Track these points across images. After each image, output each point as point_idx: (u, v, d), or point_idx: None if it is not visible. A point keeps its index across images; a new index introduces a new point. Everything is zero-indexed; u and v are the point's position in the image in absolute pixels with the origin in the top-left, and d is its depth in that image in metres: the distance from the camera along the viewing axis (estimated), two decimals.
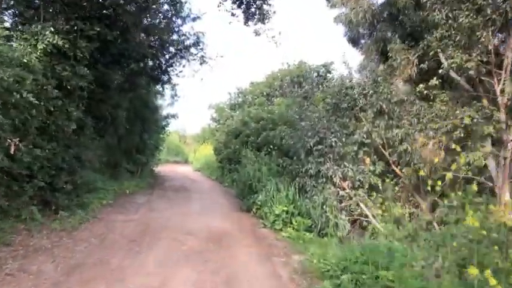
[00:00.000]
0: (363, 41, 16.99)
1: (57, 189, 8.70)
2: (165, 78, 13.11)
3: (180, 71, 13.35)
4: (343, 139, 12.39)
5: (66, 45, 7.92)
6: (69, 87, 8.05)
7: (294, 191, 11.82)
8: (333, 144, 12.19)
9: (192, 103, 79.12)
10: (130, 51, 9.89)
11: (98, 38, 8.76)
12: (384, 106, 12.29)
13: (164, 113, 21.15)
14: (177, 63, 12.86)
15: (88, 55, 8.51)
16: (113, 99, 10.84)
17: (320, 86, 27.59)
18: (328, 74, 27.64)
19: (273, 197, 11.85)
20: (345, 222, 11.25)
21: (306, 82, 27.71)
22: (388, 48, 13.14)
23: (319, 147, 12.22)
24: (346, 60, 14.17)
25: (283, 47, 58.22)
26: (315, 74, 27.95)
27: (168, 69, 12.92)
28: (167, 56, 12.23)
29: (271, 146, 15.60)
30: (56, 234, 7.85)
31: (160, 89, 18.24)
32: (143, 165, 18.72)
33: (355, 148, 12.42)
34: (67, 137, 8.58)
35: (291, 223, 10.92)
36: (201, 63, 13.20)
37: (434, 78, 11.91)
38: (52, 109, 7.74)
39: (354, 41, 16.97)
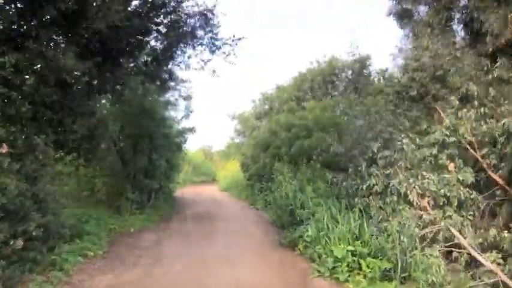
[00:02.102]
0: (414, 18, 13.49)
1: None
2: (164, 74, 9.84)
3: (181, 62, 10.00)
4: (417, 139, 8.88)
5: None
6: None
7: (358, 219, 8.31)
8: (404, 147, 8.67)
9: (214, 116, 76.20)
10: (92, 15, 6.39)
11: None
12: (475, 88, 8.66)
13: (179, 127, 17.99)
14: (180, 53, 9.65)
15: None
16: (84, 106, 7.50)
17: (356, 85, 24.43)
18: (364, 70, 24.03)
19: (328, 229, 8.33)
20: (439, 260, 7.59)
21: (340, 80, 24.34)
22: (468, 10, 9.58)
23: (386, 153, 8.71)
24: (408, 34, 10.65)
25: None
26: (350, 72, 24.38)
27: (169, 63, 9.68)
28: (165, 43, 9.02)
29: (314, 157, 12.05)
30: None
31: (169, 96, 15.04)
32: (156, 192, 15.44)
33: (434, 151, 8.78)
34: None
35: (361, 269, 7.38)
36: (212, 51, 9.90)
37: None
38: None
39: (405, 16, 13.44)
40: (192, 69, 10.24)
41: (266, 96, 26.99)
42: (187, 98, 17.16)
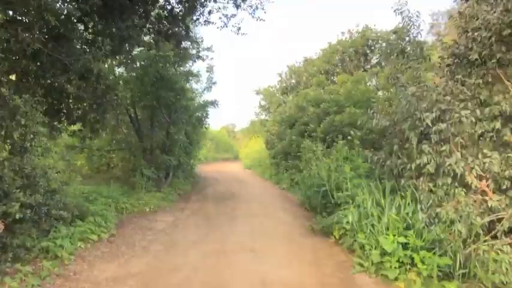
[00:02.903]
0: None
1: None
2: (180, 31, 8.46)
3: (200, 16, 8.52)
4: (477, 111, 7.41)
5: None
6: None
7: (410, 205, 6.99)
8: (463, 120, 7.24)
9: (238, 94, 74.62)
10: None
11: None
12: None
13: (200, 100, 16.68)
14: (199, 7, 8.23)
15: None
16: (80, 63, 6.19)
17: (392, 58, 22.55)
18: (400, 42, 22.18)
19: (372, 215, 7.02)
20: (509, 256, 6.24)
21: (374, 52, 22.66)
22: None
23: (441, 126, 7.27)
24: None
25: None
26: (384, 44, 22.63)
27: (186, 18, 8.29)
28: None
29: (351, 133, 10.65)
30: None
31: (190, 66, 13.64)
32: (175, 169, 14.28)
33: (497, 125, 7.31)
34: None
35: (413, 264, 6.09)
36: (236, 5, 8.47)
37: None
38: None
39: None
40: (213, 25, 8.82)
41: (293, 69, 25.39)
42: (210, 68, 15.77)
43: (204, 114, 16.85)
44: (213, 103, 16.42)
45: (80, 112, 8.13)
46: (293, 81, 25.43)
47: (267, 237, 8.18)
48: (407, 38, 9.02)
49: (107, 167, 15.46)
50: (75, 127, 8.70)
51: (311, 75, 22.99)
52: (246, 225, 9.26)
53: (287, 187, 16.26)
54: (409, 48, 9.07)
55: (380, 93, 17.79)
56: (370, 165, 8.99)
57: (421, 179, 7.55)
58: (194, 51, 12.56)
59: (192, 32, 9.25)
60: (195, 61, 13.22)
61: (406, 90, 8.30)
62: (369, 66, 22.27)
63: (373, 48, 22.54)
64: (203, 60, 13.43)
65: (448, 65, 8.01)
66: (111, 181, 12.45)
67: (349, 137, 10.22)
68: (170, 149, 13.05)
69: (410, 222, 6.72)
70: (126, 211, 9.76)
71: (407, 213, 6.85)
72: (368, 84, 18.64)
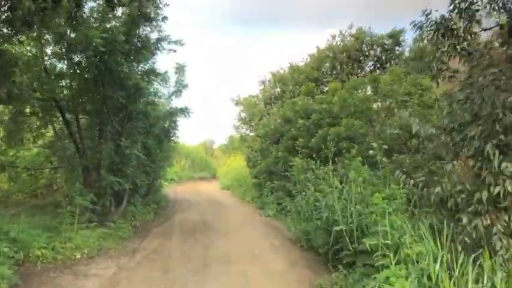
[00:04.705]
0: None
1: None
2: None
3: None
4: None
5: None
6: None
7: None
8: None
9: (217, 108, 71.40)
10: None
11: None
12: None
13: (168, 107, 13.56)
14: None
15: None
16: None
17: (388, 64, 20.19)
18: (397, 47, 19.98)
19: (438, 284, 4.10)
20: None
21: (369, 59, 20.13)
22: None
23: None
24: None
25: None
26: (379, 50, 20.20)
27: None
28: None
29: (375, 145, 7.58)
30: None
31: (153, 61, 10.47)
32: (131, 194, 10.97)
33: None
34: None
35: None
36: None
37: None
38: None
39: None
40: None
41: (279, 75, 22.56)
42: (180, 68, 12.75)
43: (173, 125, 13.79)
44: (184, 111, 13.34)
45: None
46: (278, 89, 22.59)
47: None
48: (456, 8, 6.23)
49: (48, 191, 12.26)
50: None
51: (298, 84, 20.25)
52: (222, 281, 6.20)
53: (273, 214, 13.38)
54: (459, 23, 6.34)
55: (375, 105, 15.27)
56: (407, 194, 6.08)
57: (506, 217, 4.74)
58: (154, 36, 9.54)
59: None
60: (155, 53, 10.11)
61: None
62: (362, 74, 19.76)
63: (367, 54, 20.02)
64: (169, 46, 10.18)
65: None
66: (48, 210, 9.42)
67: (370, 152, 7.25)
68: (120, 167, 9.77)
69: None
70: (43, 261, 6.57)
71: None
72: (363, 92, 16.06)
